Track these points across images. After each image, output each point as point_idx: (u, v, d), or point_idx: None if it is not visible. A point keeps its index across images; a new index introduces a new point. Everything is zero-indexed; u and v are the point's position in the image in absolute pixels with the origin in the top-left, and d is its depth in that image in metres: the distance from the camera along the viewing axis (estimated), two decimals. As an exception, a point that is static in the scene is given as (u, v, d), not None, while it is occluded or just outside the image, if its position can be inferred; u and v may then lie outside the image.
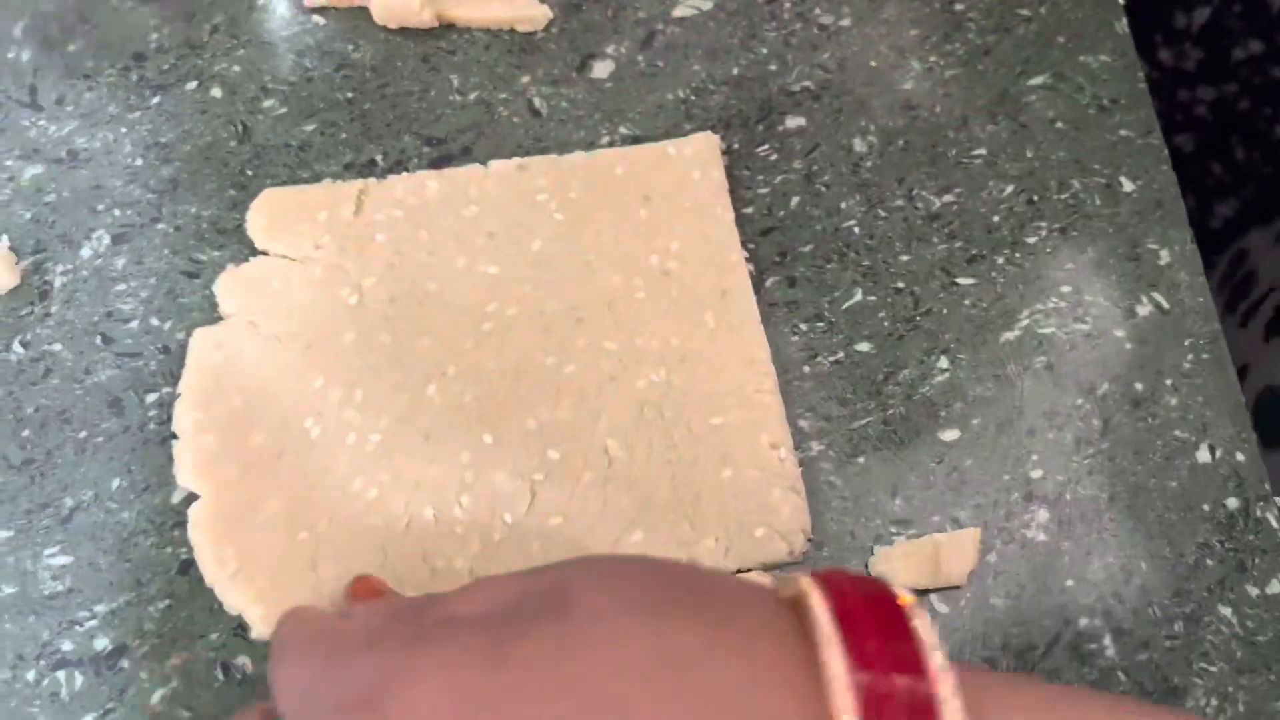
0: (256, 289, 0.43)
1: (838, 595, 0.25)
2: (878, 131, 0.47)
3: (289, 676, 0.29)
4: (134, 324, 0.44)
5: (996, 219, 0.46)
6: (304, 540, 0.39)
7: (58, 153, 0.47)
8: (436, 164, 0.46)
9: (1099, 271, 0.45)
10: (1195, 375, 0.43)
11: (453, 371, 0.42)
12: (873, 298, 0.44)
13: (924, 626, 0.25)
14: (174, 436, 0.41)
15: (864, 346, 0.44)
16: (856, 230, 0.46)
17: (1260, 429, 0.43)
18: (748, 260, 0.44)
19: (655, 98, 0.48)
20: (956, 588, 0.40)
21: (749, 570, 0.40)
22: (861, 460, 0.42)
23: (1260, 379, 0.57)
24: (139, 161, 0.46)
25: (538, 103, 0.48)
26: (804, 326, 0.44)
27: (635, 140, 0.47)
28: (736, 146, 0.47)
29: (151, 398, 0.42)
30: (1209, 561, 0.41)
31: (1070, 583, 0.40)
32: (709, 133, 0.46)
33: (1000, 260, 0.45)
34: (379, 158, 0.47)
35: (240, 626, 0.39)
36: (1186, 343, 0.44)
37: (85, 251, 0.45)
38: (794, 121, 0.48)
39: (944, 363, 0.43)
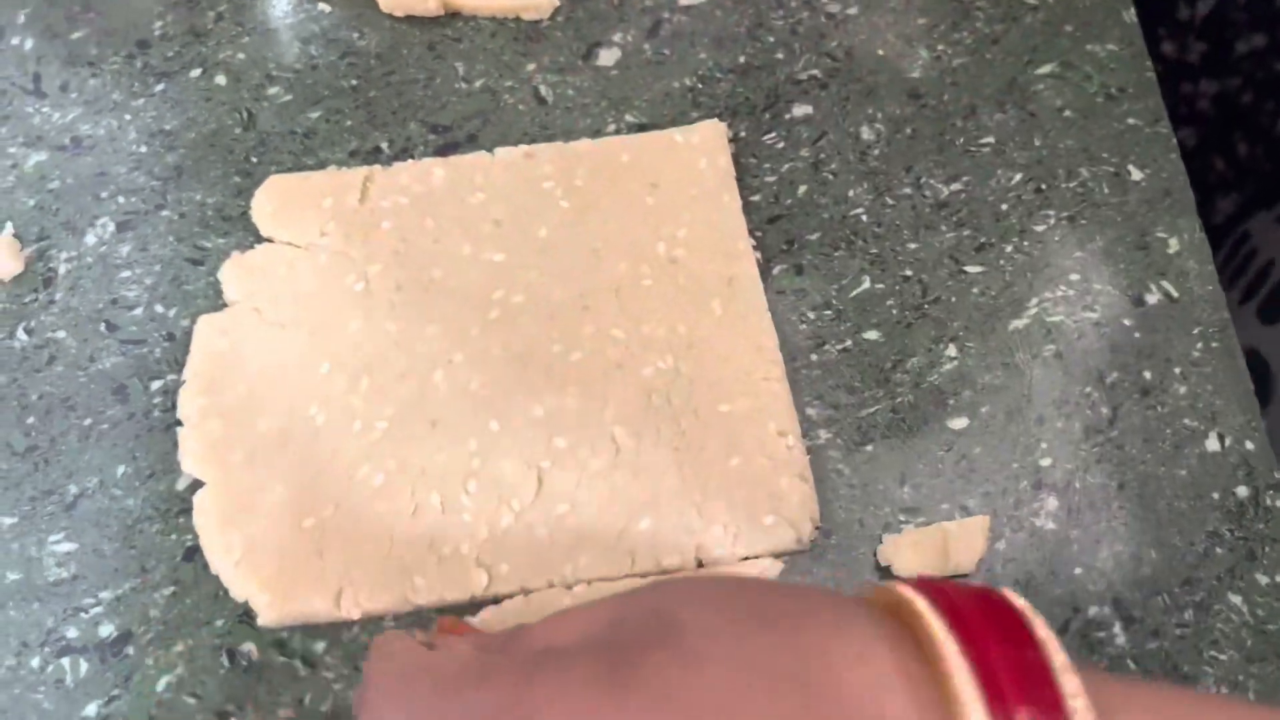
0: (262, 276, 0.43)
1: (941, 597, 0.25)
2: (885, 120, 0.47)
3: (389, 712, 0.29)
4: (138, 311, 0.43)
5: (1005, 207, 0.46)
6: (310, 527, 0.39)
7: (62, 140, 0.46)
8: (442, 151, 0.46)
9: (1107, 260, 0.45)
10: (1204, 364, 0.43)
11: (459, 359, 0.42)
12: (881, 286, 0.44)
13: (1040, 625, 0.24)
14: (179, 423, 0.41)
15: (872, 334, 0.44)
16: (864, 218, 0.45)
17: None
18: (755, 248, 0.44)
19: (662, 86, 0.48)
20: (965, 576, 0.40)
21: (757, 558, 0.39)
22: (870, 448, 0.42)
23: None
24: (143, 148, 0.46)
25: (544, 91, 0.48)
26: (811, 314, 0.44)
27: (641, 128, 0.47)
28: (743, 134, 0.47)
29: (156, 384, 0.42)
30: (1219, 550, 0.40)
31: (1079, 571, 0.40)
32: (716, 120, 0.46)
33: (1009, 248, 0.45)
34: (384, 145, 0.46)
35: (246, 613, 0.39)
36: (1195, 331, 0.44)
37: (89, 239, 0.45)
38: (801, 109, 0.47)
39: (952, 351, 0.43)
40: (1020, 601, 0.25)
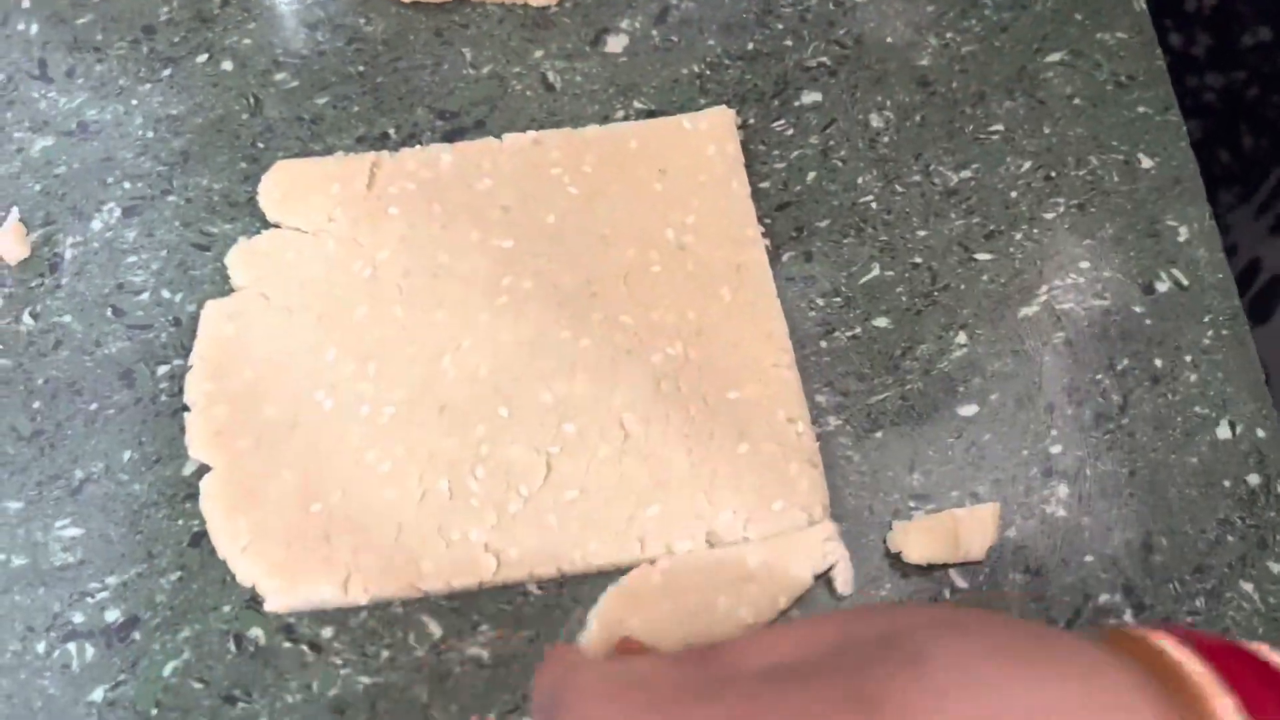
0: (269, 261, 0.43)
1: (1202, 649, 0.25)
2: (894, 107, 0.47)
3: None
4: (145, 296, 0.43)
5: (1014, 195, 0.45)
6: (317, 513, 0.39)
7: (68, 125, 0.46)
8: (449, 137, 0.46)
9: (1117, 248, 0.45)
10: (1215, 351, 0.43)
11: (467, 345, 0.42)
12: (890, 273, 0.44)
13: None
14: (185, 408, 0.41)
15: (881, 321, 0.43)
16: (874, 205, 0.45)
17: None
18: (764, 235, 0.44)
19: (670, 72, 0.48)
20: (976, 563, 0.40)
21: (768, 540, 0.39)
22: (879, 435, 0.41)
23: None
24: (149, 134, 0.46)
25: (551, 77, 0.47)
26: (821, 301, 0.44)
27: (650, 115, 0.47)
28: (752, 121, 0.47)
29: (163, 370, 0.42)
30: (1230, 538, 0.40)
31: (1090, 558, 0.40)
32: (724, 107, 0.46)
33: (1018, 236, 0.45)
34: (391, 131, 0.46)
35: (253, 599, 0.38)
36: (1206, 319, 0.43)
37: (96, 224, 0.44)
38: (810, 97, 0.47)
39: (962, 338, 0.43)
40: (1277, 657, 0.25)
